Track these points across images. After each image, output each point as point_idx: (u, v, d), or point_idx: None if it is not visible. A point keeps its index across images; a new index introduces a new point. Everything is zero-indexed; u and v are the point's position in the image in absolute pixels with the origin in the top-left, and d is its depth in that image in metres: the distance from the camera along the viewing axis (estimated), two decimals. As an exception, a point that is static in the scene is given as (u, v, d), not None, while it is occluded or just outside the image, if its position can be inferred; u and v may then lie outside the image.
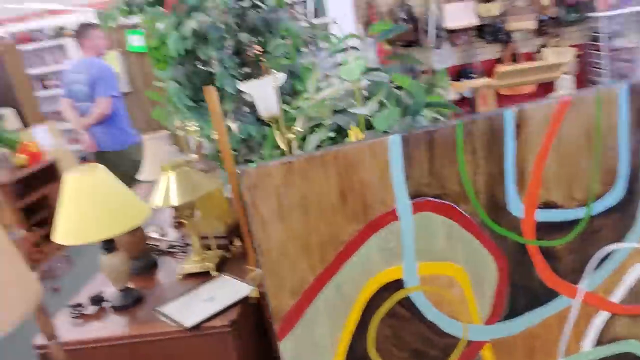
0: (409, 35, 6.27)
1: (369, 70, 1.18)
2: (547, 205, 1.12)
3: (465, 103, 5.82)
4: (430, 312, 1.10)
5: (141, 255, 1.66)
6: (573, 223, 1.14)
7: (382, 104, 1.16)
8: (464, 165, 1.07)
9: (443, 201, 1.07)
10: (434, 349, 1.12)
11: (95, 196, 1.29)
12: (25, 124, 4.96)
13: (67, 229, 1.30)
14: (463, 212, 1.08)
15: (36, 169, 4.20)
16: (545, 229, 1.13)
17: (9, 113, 4.62)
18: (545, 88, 5.61)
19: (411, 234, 1.07)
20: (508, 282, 1.13)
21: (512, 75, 3.82)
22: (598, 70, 6.06)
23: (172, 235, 2.02)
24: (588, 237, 1.16)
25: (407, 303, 1.09)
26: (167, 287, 1.56)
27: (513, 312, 1.14)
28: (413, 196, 1.06)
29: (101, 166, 1.36)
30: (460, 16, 6.31)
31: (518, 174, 1.10)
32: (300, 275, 1.02)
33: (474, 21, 6.29)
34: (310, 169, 0.99)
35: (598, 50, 5.92)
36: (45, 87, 6.55)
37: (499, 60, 6.47)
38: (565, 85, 5.69)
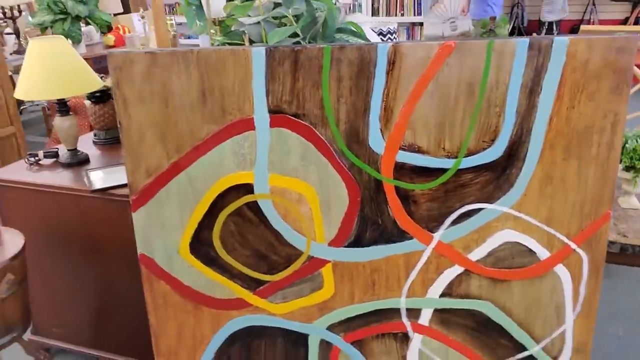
0: (522, -25, 5.74)
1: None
2: (412, 148, 1.13)
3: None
4: (276, 221, 1.19)
5: (109, 128, 1.88)
6: (437, 172, 1.14)
7: (283, 23, 1.19)
8: (327, 91, 1.09)
9: (301, 121, 1.12)
10: (276, 255, 1.21)
11: (51, 62, 1.48)
12: (127, 10, 5.41)
13: (23, 87, 1.52)
14: (321, 135, 1.12)
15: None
16: (406, 171, 1.14)
17: (111, -3, 5.07)
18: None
19: (266, 145, 1.13)
20: (357, 213, 1.17)
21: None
22: None
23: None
24: (452, 190, 1.15)
25: (255, 207, 1.18)
26: (115, 159, 1.78)
27: (359, 241, 1.19)
28: (272, 111, 1.11)
29: (63, 38, 1.55)
30: (587, -36, 5.61)
31: (385, 111, 1.10)
32: (156, 159, 1.15)
33: (603, -28, 5.59)
34: (173, 64, 1.08)
35: None
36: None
37: (624, 22, 5.76)
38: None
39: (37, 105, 5.31)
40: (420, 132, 1.11)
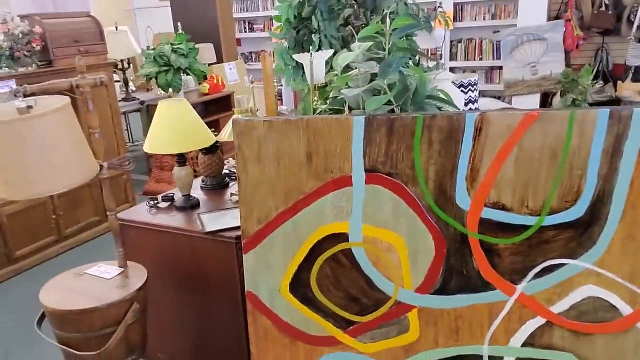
0: (608, 22, 5.65)
1: (369, 59, 1.36)
2: (496, 206, 1.23)
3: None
4: (368, 268, 1.32)
5: (215, 175, 2.12)
6: (521, 228, 1.23)
7: (378, 91, 1.36)
8: (419, 154, 1.23)
9: (394, 179, 1.26)
10: (367, 298, 1.34)
11: (176, 121, 1.74)
12: (220, 59, 5.87)
13: (151, 142, 1.78)
14: (411, 192, 1.25)
15: (215, 97, 5.05)
16: (491, 227, 1.24)
17: (207, 48, 5.54)
18: None
19: (361, 200, 1.28)
20: (443, 263, 1.28)
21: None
22: None
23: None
24: (536, 245, 1.23)
25: (349, 254, 1.32)
26: (221, 203, 2.00)
27: (444, 289, 1.29)
28: (368, 170, 1.26)
29: (186, 101, 1.81)
30: (677, 10, 5.46)
31: (471, 172, 1.22)
32: (267, 210, 1.32)
33: (694, 18, 5.39)
34: (287, 129, 1.27)
35: None
36: (252, 30, 7.81)
37: None
38: None
39: (138, 145, 5.84)
40: (504, 191, 1.21)
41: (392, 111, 1.35)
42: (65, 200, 3.50)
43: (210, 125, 2.13)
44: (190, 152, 2.79)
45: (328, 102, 1.45)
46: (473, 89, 2.83)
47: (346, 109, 1.38)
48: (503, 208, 1.22)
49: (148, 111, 4.95)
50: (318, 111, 1.44)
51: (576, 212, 1.20)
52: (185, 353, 2.02)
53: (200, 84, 5.00)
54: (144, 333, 1.67)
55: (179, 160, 1.89)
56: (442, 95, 1.39)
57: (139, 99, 4.97)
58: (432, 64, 2.48)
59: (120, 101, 4.85)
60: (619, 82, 4.05)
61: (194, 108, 1.92)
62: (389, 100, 1.34)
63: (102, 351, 1.48)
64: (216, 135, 2.04)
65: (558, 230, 1.21)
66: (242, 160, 1.31)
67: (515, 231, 1.23)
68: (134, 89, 5.38)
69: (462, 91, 2.72)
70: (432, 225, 1.26)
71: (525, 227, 1.22)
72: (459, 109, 1.47)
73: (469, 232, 1.25)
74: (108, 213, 1.64)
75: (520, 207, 1.22)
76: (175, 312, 1.96)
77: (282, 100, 5.40)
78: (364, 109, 1.36)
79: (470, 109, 2.68)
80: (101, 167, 1.53)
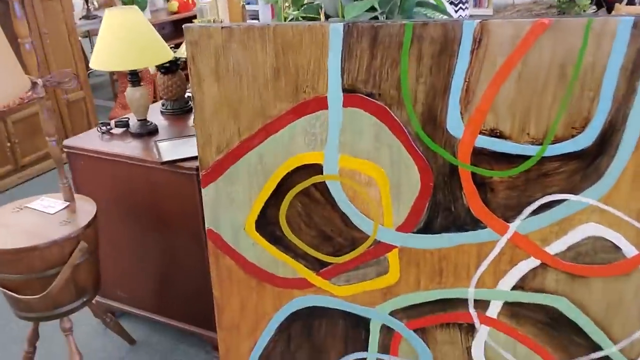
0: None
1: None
2: (493, 133, 1.06)
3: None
4: (344, 203, 1.16)
5: (177, 99, 1.89)
6: (519, 158, 1.07)
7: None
8: (406, 70, 1.04)
9: (376, 101, 1.07)
10: (342, 237, 1.19)
11: (126, 33, 1.49)
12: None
13: (99, 57, 1.54)
14: (395, 117, 1.08)
15: (185, 17, 4.67)
16: (485, 157, 1.08)
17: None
18: None
19: (338, 125, 1.10)
20: (429, 198, 1.12)
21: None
22: None
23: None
24: (534, 178, 1.08)
25: (323, 188, 1.15)
26: (183, 130, 1.80)
27: (428, 227, 1.14)
28: (346, 90, 1.07)
29: (137, 8, 1.55)
30: None
31: (466, 93, 1.04)
32: (228, 136, 1.14)
33: None
34: (249, 39, 1.05)
35: None
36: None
37: None
38: None
39: (103, 69, 5.46)
40: (503, 116, 1.04)
41: (376, 19, 1.14)
42: (21, 127, 3.24)
43: (179, 46, 1.88)
44: (149, 72, 2.53)
45: (302, 9, 1.23)
46: (464, 7, 2.60)
47: (322, 16, 1.16)
48: (500, 135, 1.06)
49: (111, 31, 4.55)
50: (289, 19, 1.22)
51: (584, 140, 1.04)
52: (146, 291, 1.89)
53: (168, 1, 4.60)
54: (95, 274, 1.51)
55: (132, 79, 1.66)
56: (434, 2, 1.18)
57: (101, 17, 4.57)
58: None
59: (80, 19, 4.46)
60: (616, 5, 3.82)
61: (162, 27, 1.69)
62: (372, 7, 1.13)
63: (45, 293, 1.33)
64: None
65: (561, 162, 1.06)
66: (197, 76, 1.10)
67: (512, 162, 1.07)
68: (97, 6, 4.94)
69: (452, 9, 2.49)
70: (418, 155, 1.09)
71: (524, 158, 1.06)
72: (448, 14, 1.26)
73: (459, 163, 1.09)
74: (47, 139, 1.43)
75: (520, 135, 1.05)
76: (133, 248, 1.81)
77: (258, 19, 5.04)
78: (343, 16, 1.14)
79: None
80: (34, 83, 1.31)
